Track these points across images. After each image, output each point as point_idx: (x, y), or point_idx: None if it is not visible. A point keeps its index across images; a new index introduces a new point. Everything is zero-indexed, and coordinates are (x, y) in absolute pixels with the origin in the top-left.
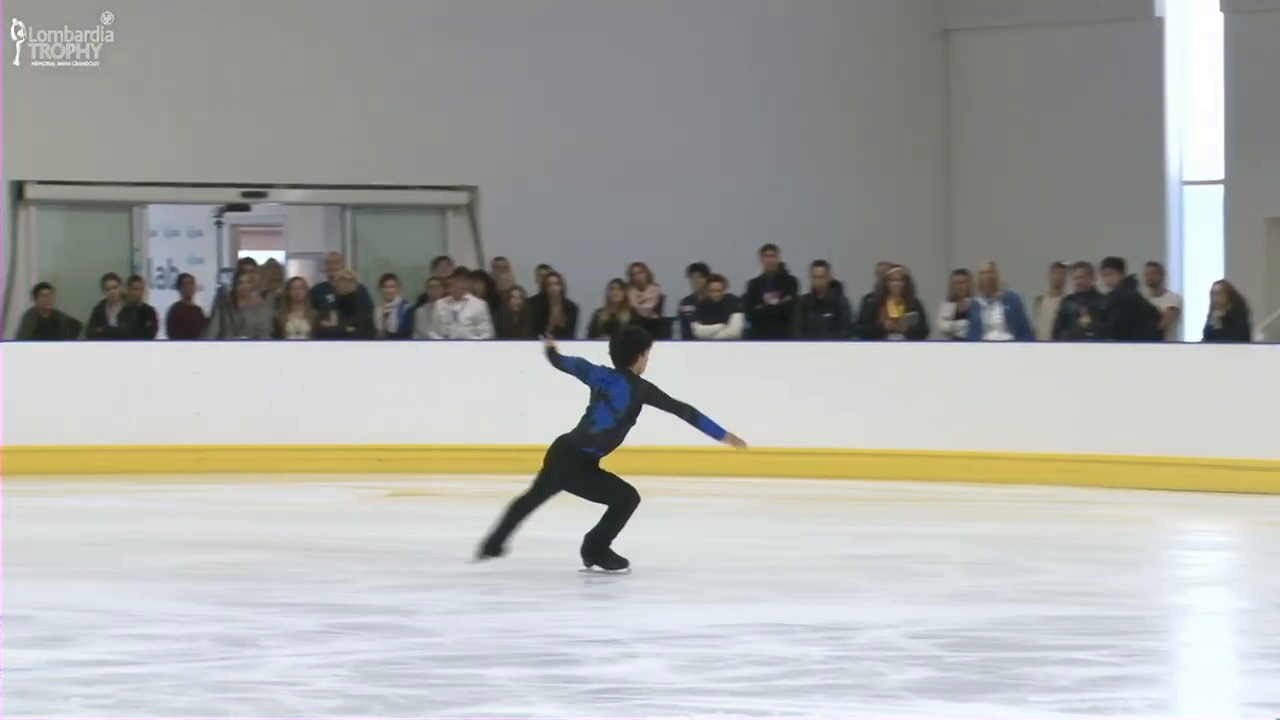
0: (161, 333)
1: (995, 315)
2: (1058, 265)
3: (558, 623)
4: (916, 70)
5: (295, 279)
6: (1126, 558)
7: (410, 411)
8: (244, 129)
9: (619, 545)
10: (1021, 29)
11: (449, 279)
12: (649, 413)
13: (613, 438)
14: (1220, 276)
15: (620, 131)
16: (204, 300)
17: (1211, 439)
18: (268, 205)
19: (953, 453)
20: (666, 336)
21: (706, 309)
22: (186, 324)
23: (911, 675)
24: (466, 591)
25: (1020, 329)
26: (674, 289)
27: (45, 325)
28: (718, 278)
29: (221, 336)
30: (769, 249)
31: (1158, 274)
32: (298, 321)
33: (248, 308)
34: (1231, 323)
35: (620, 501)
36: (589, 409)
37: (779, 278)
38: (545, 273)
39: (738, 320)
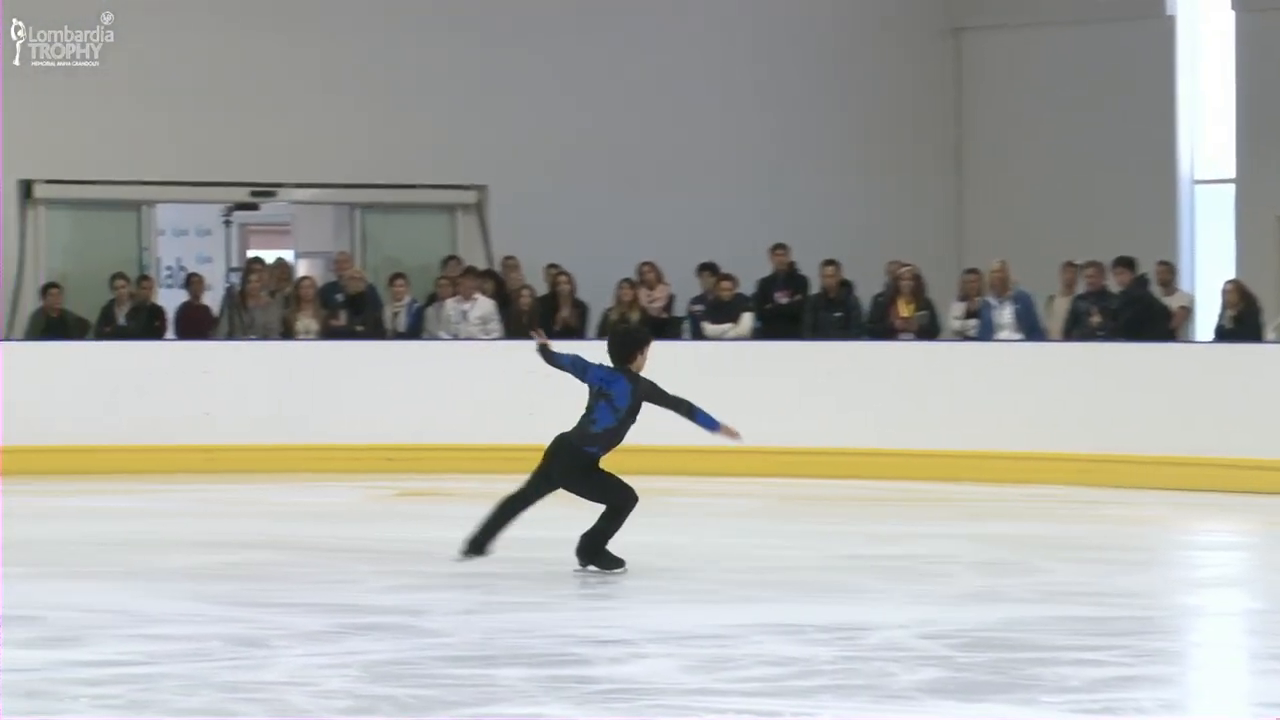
0: (170, 332)
1: (1006, 314)
2: (1069, 264)
3: (567, 623)
4: (927, 69)
5: (304, 278)
6: (1138, 558)
7: (419, 411)
8: (252, 128)
9: (615, 545)
10: (1032, 27)
11: (458, 278)
12: (656, 413)
13: (614, 437)
14: (1232, 276)
15: (629, 130)
16: (213, 299)
17: (1223, 439)
18: (276, 204)
19: (963, 452)
20: (676, 336)
21: (716, 308)
22: (195, 323)
23: (922, 676)
24: (476, 592)
25: (1031, 328)
26: (684, 288)
27: (54, 324)
28: (727, 277)
29: (230, 336)
30: (779, 248)
31: (1169, 273)
32: (307, 321)
33: (256, 307)
34: (1243, 322)
35: (619, 501)
36: (589, 408)
37: (789, 277)
38: (555, 272)
39: (748, 319)
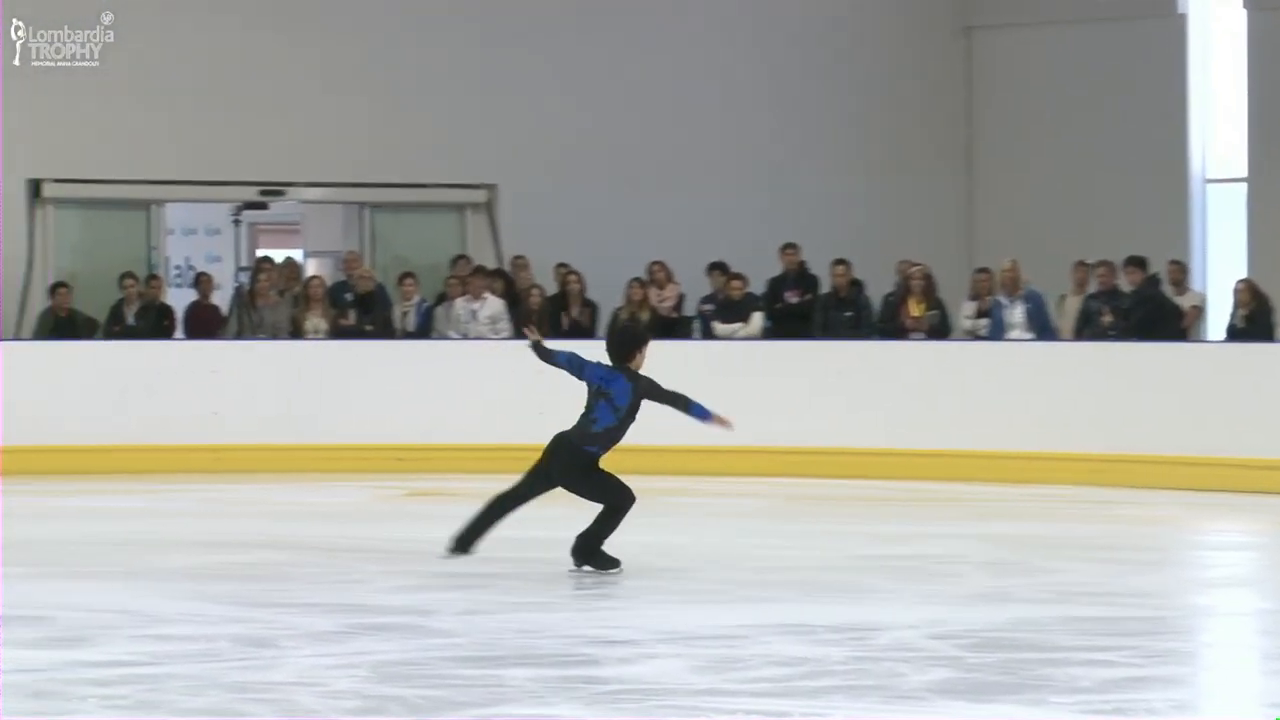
0: (179, 331)
1: (1017, 314)
2: (1081, 264)
3: (576, 624)
4: (938, 67)
5: (313, 277)
6: (1149, 558)
7: (428, 411)
8: (262, 127)
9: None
10: (1043, 26)
11: (468, 277)
12: (663, 414)
13: (614, 436)
14: (1243, 275)
15: (640, 130)
16: (222, 299)
17: (1235, 438)
18: (286, 203)
19: (974, 452)
20: (686, 335)
21: (726, 308)
22: (204, 323)
23: (933, 676)
24: (485, 592)
25: (1042, 328)
26: (694, 287)
27: (63, 324)
28: (738, 276)
29: (239, 335)
30: (789, 247)
31: (1181, 272)
32: (316, 320)
33: (266, 306)
34: (1255, 321)
35: (617, 501)
36: (588, 407)
37: (799, 276)
38: (564, 271)
39: (758, 319)
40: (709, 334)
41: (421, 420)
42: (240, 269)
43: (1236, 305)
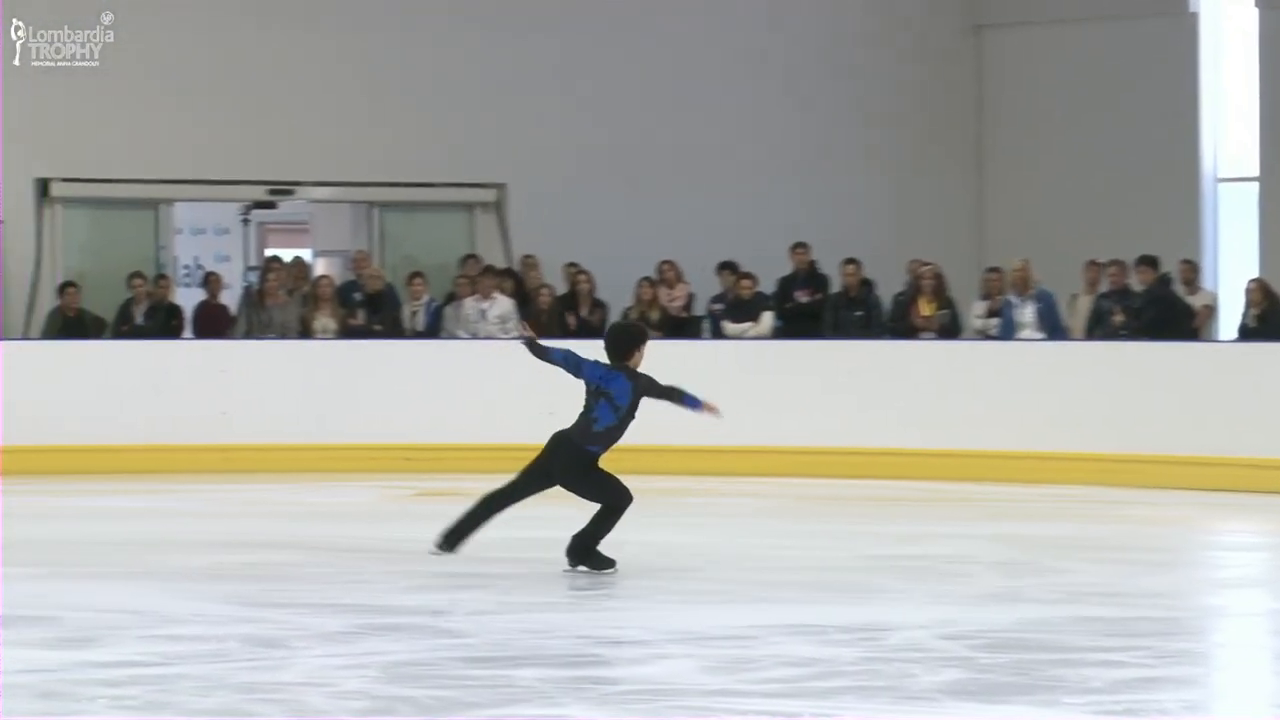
0: (188, 331)
1: (1028, 313)
2: (1092, 263)
3: (587, 624)
4: (948, 66)
5: (322, 277)
6: (1161, 558)
7: (438, 410)
8: (271, 127)
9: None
10: (1054, 25)
11: (477, 277)
12: (675, 414)
13: (615, 435)
14: (1255, 274)
15: (649, 129)
16: (230, 298)
17: (1246, 438)
18: (294, 203)
19: (985, 452)
20: (696, 335)
21: (736, 307)
22: (213, 322)
23: (944, 677)
24: (494, 592)
25: (1053, 327)
26: (703, 287)
27: (71, 323)
28: (748, 275)
29: (248, 335)
30: (799, 246)
31: (1192, 272)
32: (325, 320)
33: (274, 306)
34: (1267, 321)
35: (615, 501)
36: (588, 406)
37: (809, 275)
38: (574, 271)
39: (768, 318)
40: (719, 334)
41: (430, 420)
42: (249, 268)
43: (1248, 305)
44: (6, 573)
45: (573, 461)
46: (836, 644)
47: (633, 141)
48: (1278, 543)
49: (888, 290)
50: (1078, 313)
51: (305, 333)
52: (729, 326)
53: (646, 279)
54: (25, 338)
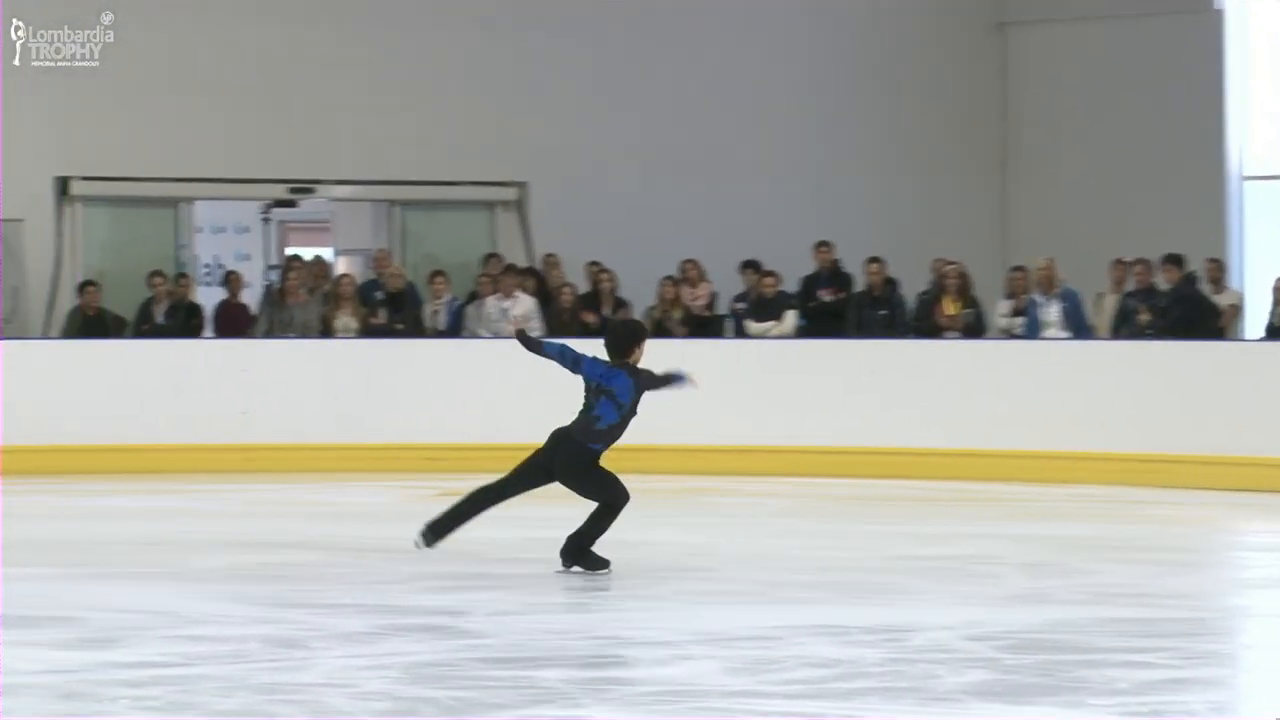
0: (208, 330)
1: (1053, 312)
2: (1119, 262)
3: (609, 624)
4: (973, 64)
5: (343, 276)
6: (1186, 559)
7: (460, 410)
8: (292, 125)
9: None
10: (1079, 22)
11: (499, 276)
12: (699, 414)
13: (617, 433)
14: None
15: (671, 127)
16: (251, 297)
17: (1273, 438)
18: (315, 201)
19: (1009, 452)
20: (719, 334)
21: (759, 306)
22: (233, 321)
23: (969, 678)
24: (516, 592)
25: (1078, 326)
26: (726, 286)
27: (91, 322)
28: (770, 274)
29: (269, 334)
30: (823, 245)
31: (1218, 270)
32: (346, 319)
33: (295, 305)
34: None
35: (613, 499)
36: (589, 404)
37: (833, 274)
38: (596, 269)
39: (791, 317)
40: (742, 333)
41: (453, 419)
42: (270, 267)
43: (1275, 303)
44: (28, 573)
45: (575, 459)
46: (860, 645)
47: (655, 140)
48: None
49: (912, 289)
50: (1103, 312)
51: (326, 332)
52: (752, 325)
53: (669, 278)
54: (45, 336)
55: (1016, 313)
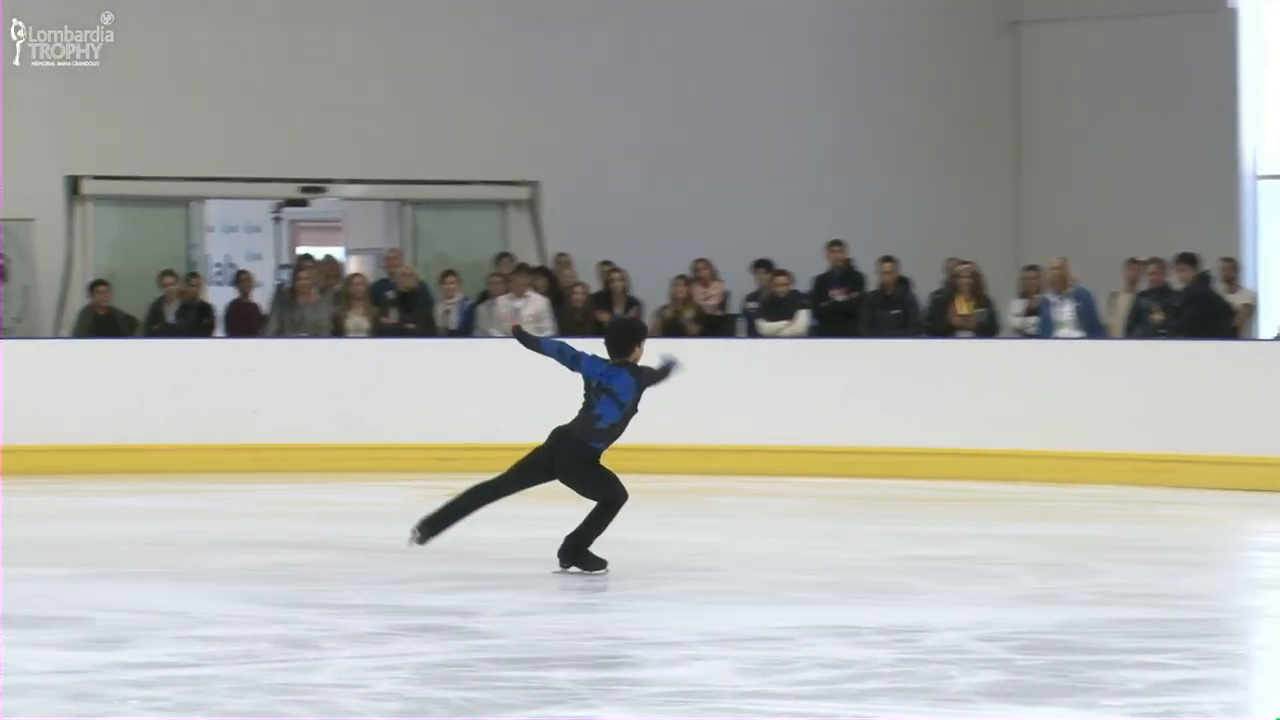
0: (219, 330)
1: (1066, 312)
2: (1132, 261)
3: (620, 625)
4: (985, 63)
5: (355, 275)
6: (1199, 559)
7: (471, 410)
8: (303, 124)
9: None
10: (1092, 21)
11: (511, 275)
12: (712, 414)
13: (618, 431)
14: None
15: (684, 126)
16: (262, 297)
17: None
18: (327, 201)
19: (1022, 452)
20: (731, 334)
21: (772, 305)
22: (244, 321)
23: (981, 679)
24: (527, 593)
25: (1092, 326)
26: (738, 285)
27: (102, 322)
28: (783, 273)
29: (280, 333)
30: (835, 244)
31: (1232, 270)
32: (357, 318)
33: (306, 304)
34: None
35: (611, 498)
36: (589, 403)
37: (846, 274)
38: (608, 269)
39: (804, 317)
40: (754, 332)
41: (464, 419)
42: (281, 266)
43: None
44: (37, 574)
45: (576, 458)
46: (872, 645)
47: (667, 139)
48: None
49: (925, 288)
50: (1116, 311)
51: (337, 331)
52: (764, 325)
53: (681, 277)
54: (56, 336)
55: (1030, 312)
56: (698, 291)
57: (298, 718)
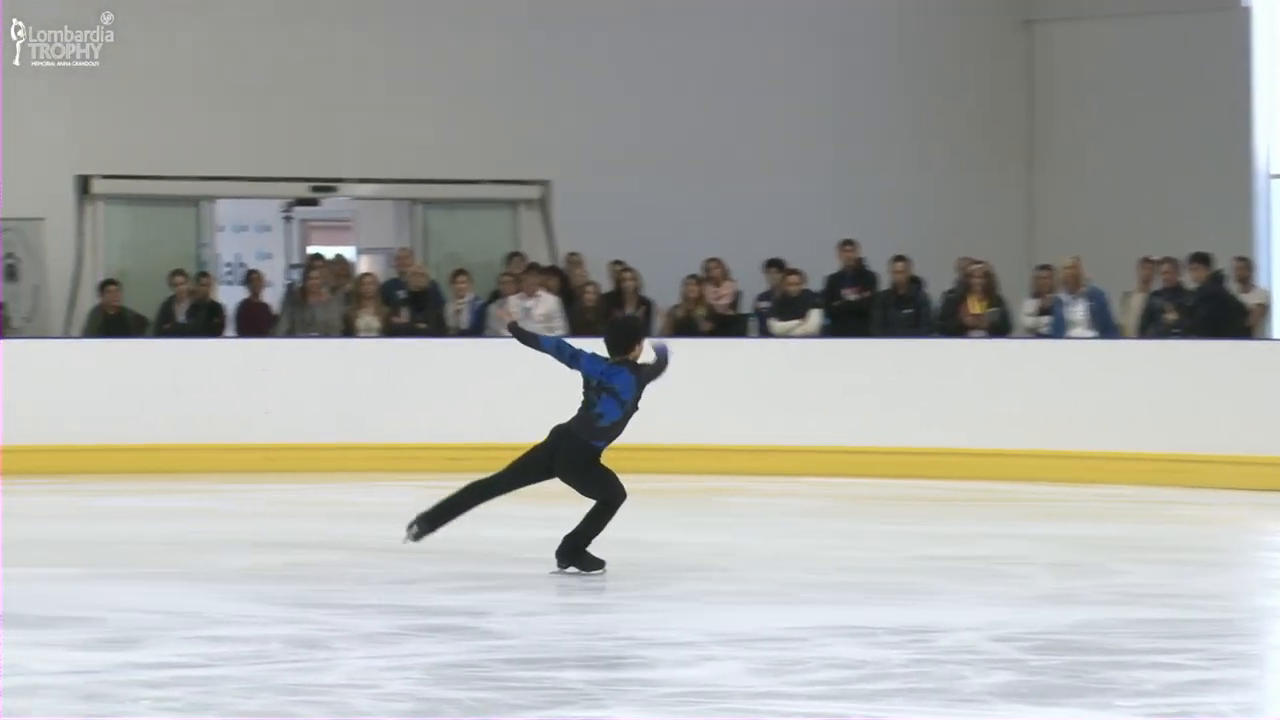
0: (230, 329)
1: (1079, 311)
2: (1146, 260)
3: (632, 625)
4: (998, 62)
5: (365, 275)
6: (1214, 559)
7: (482, 409)
8: (314, 123)
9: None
10: (1105, 19)
11: (522, 275)
12: (725, 414)
13: (619, 429)
14: None
15: (695, 125)
16: (273, 296)
17: None
18: (337, 200)
19: (1036, 452)
20: (742, 334)
21: (784, 305)
22: (255, 320)
23: (995, 679)
24: (539, 593)
25: (1105, 325)
26: (750, 285)
27: (112, 321)
28: (795, 272)
29: (291, 333)
30: (847, 244)
31: (1246, 269)
32: (368, 318)
33: (317, 304)
34: None
35: (610, 498)
36: (590, 401)
37: (858, 273)
38: (619, 268)
39: (816, 316)
40: (766, 332)
41: (474, 419)
42: (291, 266)
43: None
44: (48, 574)
45: (577, 456)
46: (886, 646)
47: (679, 138)
48: None
49: (937, 288)
50: (1130, 310)
51: (348, 331)
52: (776, 324)
53: (693, 276)
54: (66, 336)
55: (1042, 311)
56: (709, 291)
57: (309, 718)
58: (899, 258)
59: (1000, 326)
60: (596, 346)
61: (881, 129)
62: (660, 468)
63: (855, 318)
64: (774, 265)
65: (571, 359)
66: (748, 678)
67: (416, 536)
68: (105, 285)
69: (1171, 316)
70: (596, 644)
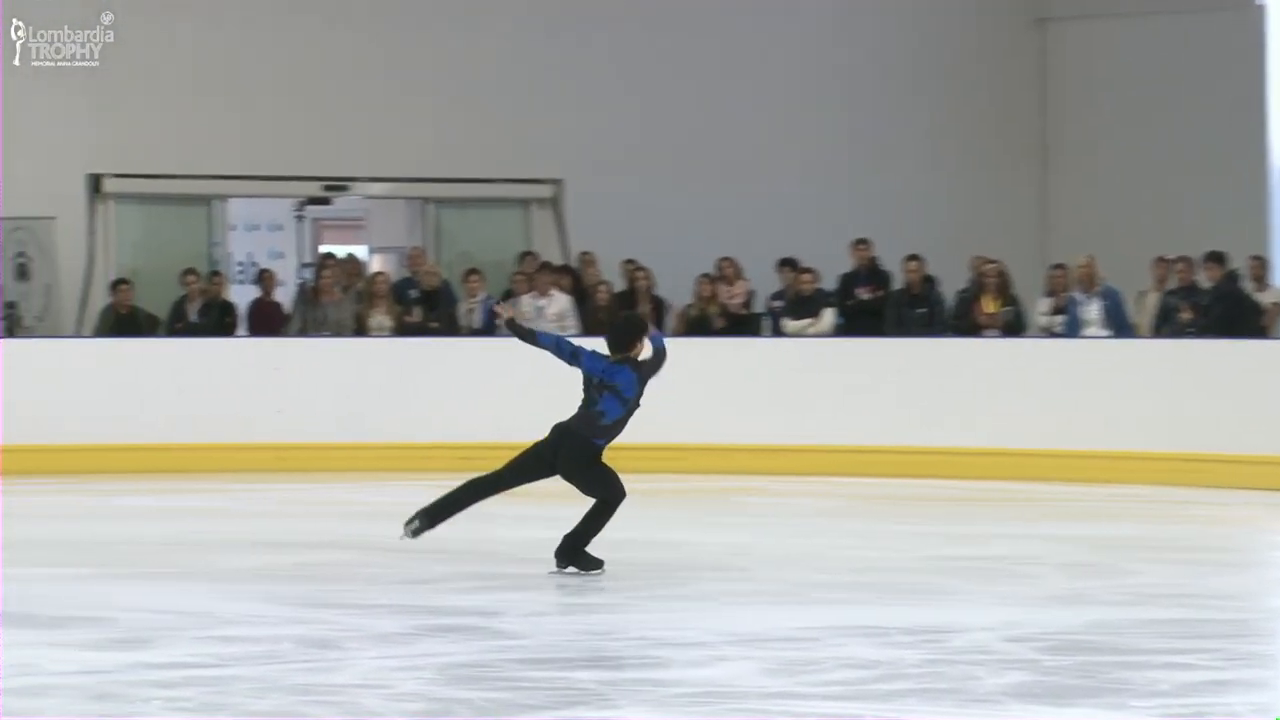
0: (242, 329)
1: (1093, 310)
2: (1160, 259)
3: (645, 625)
4: (1012, 60)
5: (378, 274)
6: (1229, 559)
7: (494, 409)
8: (326, 122)
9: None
10: (1119, 18)
11: (534, 274)
12: (739, 412)
13: (620, 427)
14: None
15: (709, 124)
16: (285, 295)
17: None
18: (349, 199)
19: (1049, 451)
20: (756, 333)
21: (797, 304)
22: (267, 319)
23: (1009, 679)
24: (551, 593)
25: (1119, 324)
26: (764, 284)
27: (124, 321)
28: (808, 271)
29: (303, 332)
30: (861, 243)
31: (1261, 268)
32: (380, 317)
33: (329, 303)
34: None
35: (610, 497)
36: (591, 399)
37: (871, 272)
38: (632, 268)
39: (829, 315)
40: (779, 331)
41: (486, 418)
42: (303, 265)
43: None
44: (58, 573)
45: (578, 454)
46: (899, 646)
47: (691, 137)
48: None
49: (951, 287)
50: (1144, 310)
51: (360, 330)
52: (789, 324)
53: (706, 276)
54: (78, 335)
55: (1056, 311)
56: (722, 290)
57: (320, 718)
58: (913, 257)
59: (1014, 326)
60: (600, 345)
61: (895, 128)
62: (673, 467)
63: (869, 317)
64: (787, 264)
65: (572, 357)
66: (761, 678)
67: (415, 532)
68: (117, 284)
69: (1186, 316)
70: (608, 644)
